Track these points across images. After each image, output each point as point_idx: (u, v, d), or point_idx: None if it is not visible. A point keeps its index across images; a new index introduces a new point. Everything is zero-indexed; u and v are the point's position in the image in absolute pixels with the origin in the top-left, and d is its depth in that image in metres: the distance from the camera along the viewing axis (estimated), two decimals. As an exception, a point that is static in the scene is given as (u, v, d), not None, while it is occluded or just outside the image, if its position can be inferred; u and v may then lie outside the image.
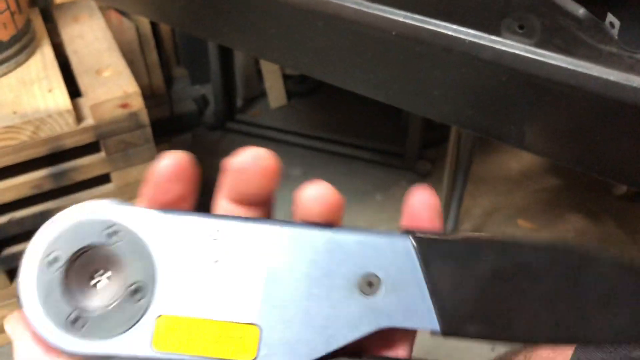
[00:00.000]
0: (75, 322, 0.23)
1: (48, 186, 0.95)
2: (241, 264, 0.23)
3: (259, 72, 1.70)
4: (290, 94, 1.72)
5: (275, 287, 0.23)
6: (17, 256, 1.02)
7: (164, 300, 0.23)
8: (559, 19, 0.49)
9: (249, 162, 0.23)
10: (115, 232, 0.24)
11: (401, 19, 0.55)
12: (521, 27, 0.51)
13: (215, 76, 1.54)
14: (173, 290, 0.23)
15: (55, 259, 0.23)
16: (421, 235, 0.24)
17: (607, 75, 0.49)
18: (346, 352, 0.24)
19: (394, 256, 0.24)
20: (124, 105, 0.93)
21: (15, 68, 0.97)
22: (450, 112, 0.60)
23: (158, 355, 0.23)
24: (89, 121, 0.92)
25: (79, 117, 0.91)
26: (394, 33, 0.55)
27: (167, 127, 1.53)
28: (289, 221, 0.24)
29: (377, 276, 0.23)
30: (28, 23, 1.01)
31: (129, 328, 0.23)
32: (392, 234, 0.24)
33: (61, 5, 1.14)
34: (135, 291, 0.23)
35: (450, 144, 1.20)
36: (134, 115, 0.94)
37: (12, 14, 0.95)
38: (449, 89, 0.57)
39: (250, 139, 1.56)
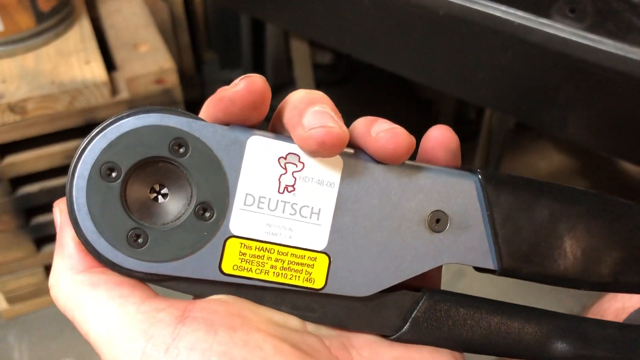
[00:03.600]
0: (135, 238, 0.22)
1: (80, 157, 0.96)
2: (313, 190, 0.23)
3: (288, 60, 1.70)
4: (319, 83, 1.72)
5: (346, 216, 0.23)
6: (46, 225, 1.03)
7: (236, 222, 0.22)
8: (612, 3, 0.48)
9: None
10: (182, 144, 0.22)
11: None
12: (572, 11, 0.50)
13: (247, 61, 1.54)
14: (244, 212, 0.23)
15: (112, 169, 0.21)
16: (488, 173, 0.24)
17: (659, 63, 0.48)
18: (407, 286, 0.24)
19: (462, 194, 0.24)
20: (159, 81, 0.93)
21: (54, 39, 0.98)
22: (493, 96, 0.59)
23: (226, 279, 0.23)
24: (123, 94, 0.93)
25: (114, 90, 0.92)
26: (441, 13, 0.55)
27: (196, 109, 1.53)
28: (361, 152, 0.24)
29: (444, 213, 0.24)
30: (68, -4, 1.02)
31: (196, 248, 0.22)
32: (461, 172, 0.24)
33: (100, -19, 1.15)
34: (204, 210, 0.22)
35: (481, 139, 1.19)
36: (168, 91, 0.95)
37: (54, -15, 0.96)
38: (494, 73, 0.57)
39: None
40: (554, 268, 0.24)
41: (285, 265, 0.23)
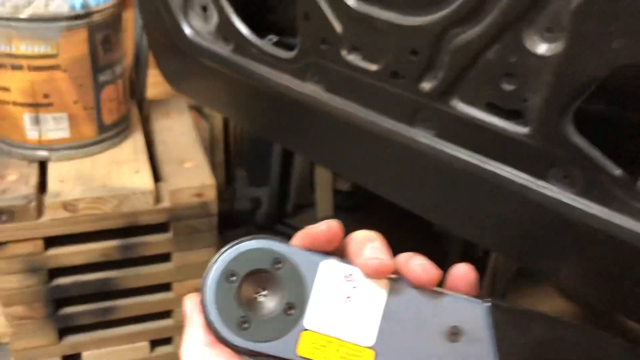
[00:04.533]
0: (243, 324, 0.31)
1: (116, 256, 1.05)
2: (366, 301, 0.32)
3: (311, 183, 1.81)
4: (337, 207, 1.82)
5: (389, 323, 0.32)
6: (71, 317, 1.09)
7: (309, 318, 0.31)
8: (598, 175, 0.57)
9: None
10: (279, 261, 0.32)
11: (464, 157, 0.64)
12: (565, 177, 0.59)
13: (274, 181, 1.66)
14: (316, 313, 0.31)
15: (233, 275, 0.31)
16: (495, 302, 0.32)
17: (637, 228, 0.57)
18: None
19: (474, 315, 0.32)
20: (199, 195, 1.04)
21: (110, 148, 1.10)
22: (496, 240, 0.68)
23: (298, 359, 0.31)
24: (165, 203, 1.03)
25: (157, 199, 1.02)
26: (457, 167, 0.65)
27: (223, 222, 1.63)
28: (401, 278, 0.32)
29: (459, 328, 0.32)
30: (128, 112, 1.15)
31: (282, 335, 0.31)
32: (475, 299, 0.33)
33: (156, 101, 1.30)
34: (289, 308, 0.31)
35: (486, 276, 1.26)
36: (205, 204, 1.05)
37: (119, 102, 1.09)
38: (497, 221, 0.66)
39: (295, 244, 1.64)
40: None
41: (342, 354, 0.31)
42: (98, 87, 1.03)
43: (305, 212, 1.82)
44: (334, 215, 1.81)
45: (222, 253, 0.32)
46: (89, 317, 1.10)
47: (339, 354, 0.31)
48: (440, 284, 0.33)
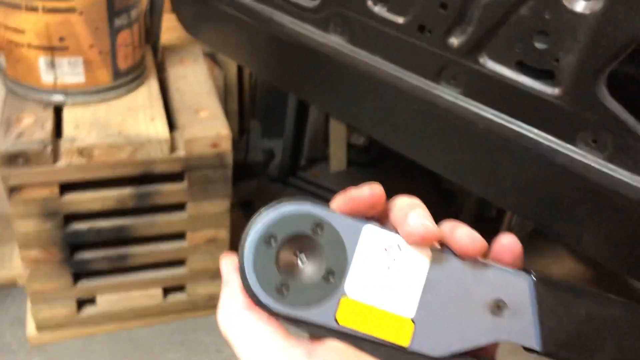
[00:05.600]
0: (281, 289, 0.30)
1: (131, 204, 1.05)
2: (407, 271, 0.31)
3: (325, 137, 1.80)
4: (350, 162, 1.82)
5: (430, 294, 0.31)
6: (87, 262, 1.10)
7: (349, 286, 0.30)
8: (629, 140, 0.56)
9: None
10: (321, 227, 0.30)
11: (490, 116, 0.63)
12: (594, 141, 0.58)
13: (288, 133, 1.65)
14: (356, 280, 0.30)
15: (273, 238, 0.30)
16: (540, 275, 0.31)
17: (666, 196, 0.55)
18: (469, 353, 0.31)
19: (518, 288, 0.31)
20: (214, 145, 1.03)
21: (126, 94, 1.08)
22: (516, 203, 0.67)
23: (337, 327, 0.30)
24: (180, 152, 1.02)
25: (172, 148, 1.01)
26: (481, 126, 0.63)
27: (236, 173, 1.63)
28: (445, 247, 0.31)
29: (504, 301, 0.31)
30: (143, 58, 1.13)
31: (321, 302, 0.30)
32: (519, 271, 0.31)
33: (170, 47, 1.28)
34: (329, 274, 0.30)
35: (499, 236, 1.26)
36: (220, 155, 1.04)
37: (134, 48, 1.07)
38: (520, 183, 0.64)
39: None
40: (589, 357, 0.31)
41: (382, 324, 0.30)
42: (114, 32, 1.01)
43: (318, 166, 1.81)
44: (346, 170, 1.80)
45: (261, 215, 0.31)
46: (103, 262, 1.12)
47: (377, 323, 0.30)
48: (484, 255, 0.32)
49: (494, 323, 0.31)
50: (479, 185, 0.71)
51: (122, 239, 1.09)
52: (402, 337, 0.31)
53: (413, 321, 0.31)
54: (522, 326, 0.31)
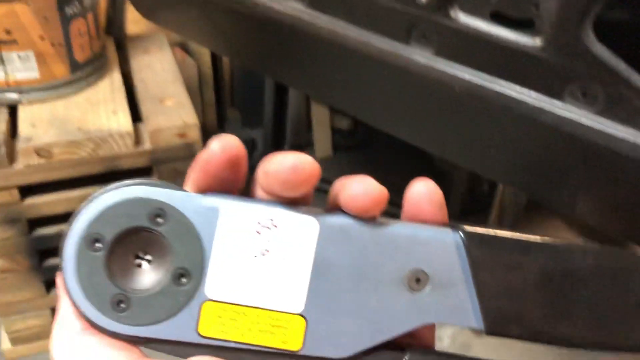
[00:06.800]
0: (118, 303, 0.23)
1: (98, 203, 0.98)
2: (289, 253, 0.23)
3: (308, 122, 1.74)
4: (336, 147, 1.75)
5: (322, 278, 0.23)
6: (57, 268, 1.04)
7: (211, 286, 0.23)
8: (622, 90, 0.50)
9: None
10: (161, 215, 0.23)
11: (466, 76, 0.56)
12: (584, 95, 0.52)
13: (268, 121, 1.58)
14: (220, 277, 0.23)
15: (97, 240, 0.23)
16: (471, 231, 0.24)
17: (668, 150, 0.49)
18: (389, 345, 0.24)
19: (442, 252, 0.24)
20: (182, 135, 0.96)
21: (85, 88, 1.02)
22: (504, 172, 0.61)
23: (203, 341, 0.23)
24: (146, 145, 0.95)
25: (137, 141, 0.95)
26: (457, 89, 0.57)
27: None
28: (336, 212, 0.24)
29: (424, 272, 0.24)
30: (103, 49, 1.07)
31: (174, 313, 0.23)
32: (441, 228, 0.24)
33: (134, 37, 1.21)
34: (181, 276, 0.23)
35: (493, 212, 1.20)
36: (189, 145, 0.97)
37: (91, 38, 1.01)
38: (506, 149, 0.58)
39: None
40: (545, 328, 0.23)
41: (261, 327, 0.23)
42: (65, 21, 0.94)
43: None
44: (332, 155, 1.74)
45: (79, 212, 0.23)
46: (76, 268, 1.05)
47: (256, 327, 0.23)
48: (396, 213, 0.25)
49: (414, 302, 0.24)
50: (464, 156, 0.65)
51: (92, 241, 1.03)
52: (292, 340, 0.24)
53: (303, 317, 0.23)
54: (454, 301, 0.23)
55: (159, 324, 0.23)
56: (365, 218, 0.24)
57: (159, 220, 0.23)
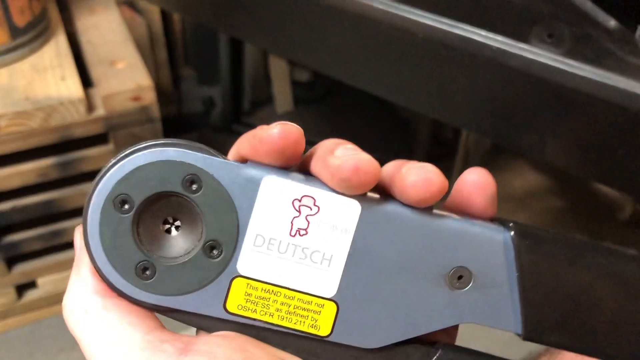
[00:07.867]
0: (144, 270, 0.22)
1: (54, 175, 0.95)
2: (327, 236, 0.22)
3: (267, 77, 1.70)
4: (297, 100, 1.72)
5: (360, 264, 0.22)
6: (18, 244, 1.01)
7: (244, 262, 0.22)
8: (589, 29, 0.49)
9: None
10: (196, 181, 0.22)
11: (429, 22, 0.55)
12: (550, 36, 0.51)
13: (225, 78, 1.54)
14: (254, 253, 0.22)
15: (125, 201, 0.21)
16: (521, 229, 0.22)
17: (634, 89, 0.49)
18: (421, 339, 0.23)
19: (490, 252, 0.22)
20: (136, 98, 0.92)
21: (29, 55, 0.96)
22: (471, 119, 0.60)
23: (230, 317, 0.22)
24: (99, 112, 0.91)
25: (90, 107, 0.91)
26: (420, 36, 0.55)
27: (173, 126, 1.52)
28: (383, 197, 0.23)
29: (469, 270, 0.22)
30: (44, 11, 1.00)
31: (202, 285, 0.22)
32: (492, 226, 0.23)
33: (77, -3, 1.14)
34: (212, 248, 0.22)
35: (457, 159, 1.20)
36: (145, 108, 0.94)
37: (30, 0, 0.94)
38: (472, 96, 0.57)
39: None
40: (588, 340, 0.22)
41: (291, 309, 0.22)
42: (0, -17, 0.88)
43: (263, 109, 1.71)
44: (294, 109, 1.71)
45: (107, 170, 0.21)
46: (37, 242, 1.02)
47: (286, 308, 0.22)
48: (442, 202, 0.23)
49: (454, 300, 0.22)
50: (429, 105, 0.64)
51: (51, 214, 1.00)
52: (321, 325, 0.22)
53: (335, 302, 0.22)
54: (494, 302, 0.22)
55: (185, 296, 0.22)
56: (416, 208, 0.22)
57: (194, 187, 0.22)
